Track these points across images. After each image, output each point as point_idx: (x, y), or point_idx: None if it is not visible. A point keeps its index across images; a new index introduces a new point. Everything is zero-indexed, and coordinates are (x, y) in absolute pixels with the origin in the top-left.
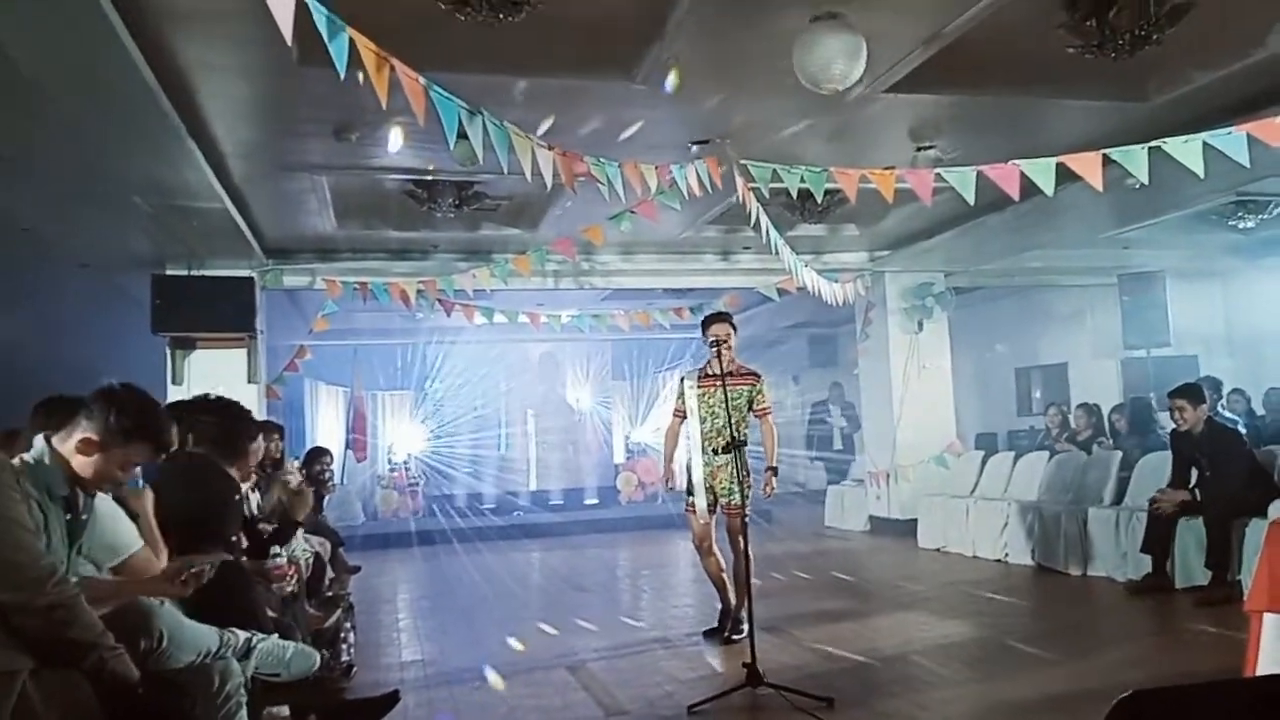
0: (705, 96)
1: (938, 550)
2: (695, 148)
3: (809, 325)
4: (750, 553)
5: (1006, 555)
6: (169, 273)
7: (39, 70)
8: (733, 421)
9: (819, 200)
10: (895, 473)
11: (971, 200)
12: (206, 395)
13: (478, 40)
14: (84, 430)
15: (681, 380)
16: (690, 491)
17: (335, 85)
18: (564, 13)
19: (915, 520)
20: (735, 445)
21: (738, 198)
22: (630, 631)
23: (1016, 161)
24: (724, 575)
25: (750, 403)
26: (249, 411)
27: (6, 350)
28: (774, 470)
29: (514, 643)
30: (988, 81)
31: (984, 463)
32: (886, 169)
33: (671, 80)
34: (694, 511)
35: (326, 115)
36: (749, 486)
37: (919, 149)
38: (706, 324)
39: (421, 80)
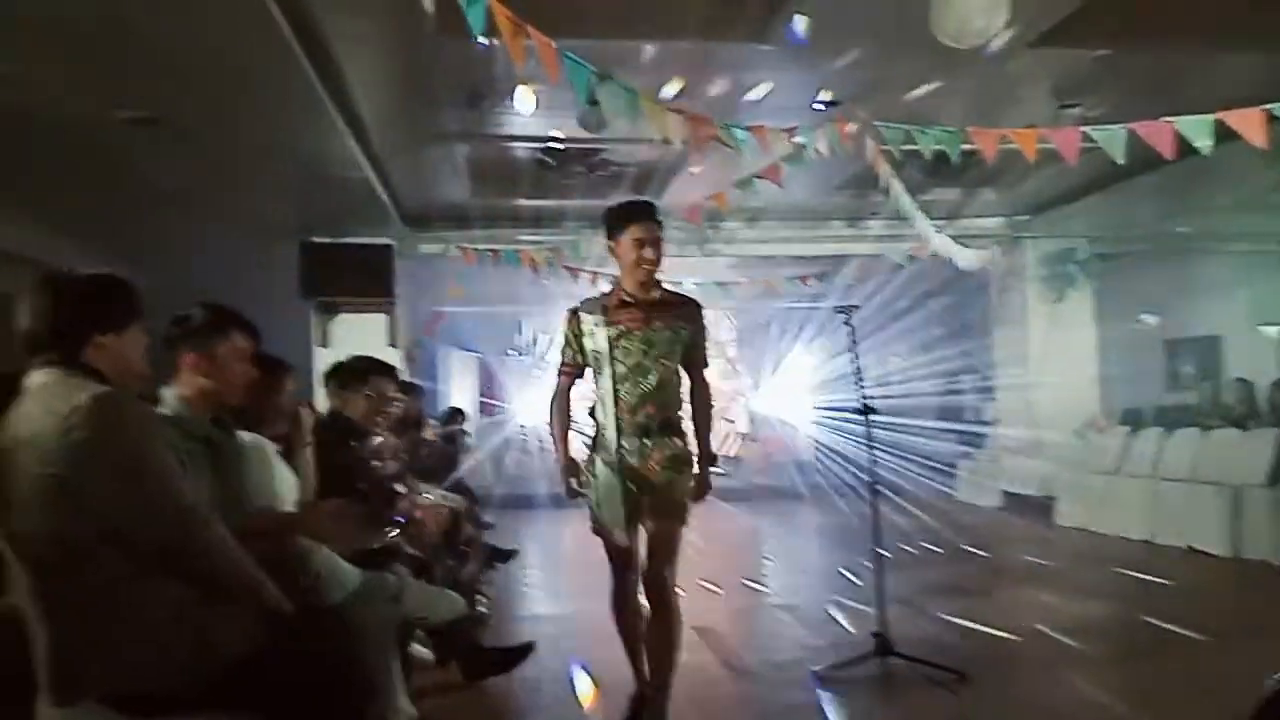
0: (835, 56)
1: (1076, 528)
2: (824, 109)
3: (941, 294)
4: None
5: (1153, 535)
6: (314, 240)
7: (188, 38)
8: (669, 380)
9: (954, 163)
10: (1032, 447)
11: (1121, 160)
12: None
13: (608, 5)
14: (186, 360)
15: (574, 315)
16: (594, 499)
17: (471, 53)
18: None
19: (1052, 496)
20: (673, 428)
21: (868, 161)
22: (755, 596)
23: (1170, 118)
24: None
25: (689, 348)
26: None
27: (159, 314)
28: (712, 459)
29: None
30: (1138, 34)
31: (1129, 438)
32: (1028, 128)
33: (803, 27)
34: (604, 530)
35: (462, 84)
36: (691, 480)
37: (1062, 107)
38: (623, 219)
39: (554, 45)
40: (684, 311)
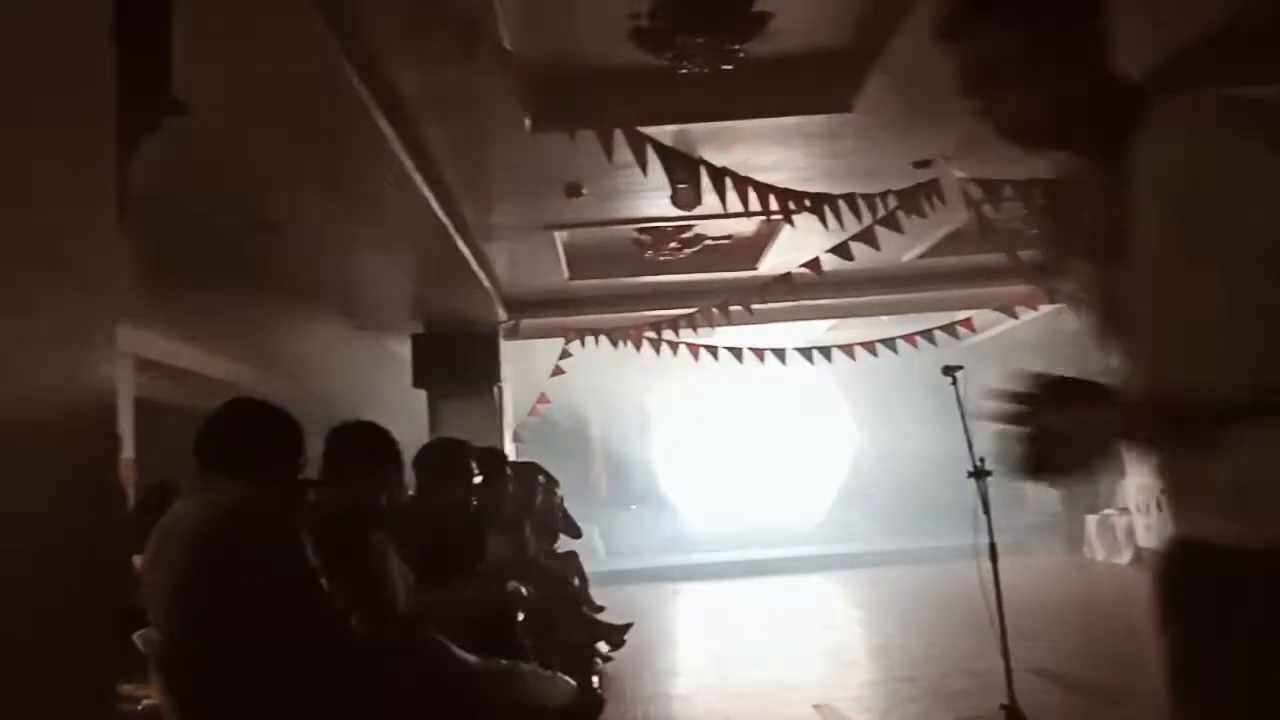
0: (926, 117)
1: None
2: (917, 170)
3: (1057, 347)
4: None
5: None
6: (423, 331)
7: (306, 155)
8: None
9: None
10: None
11: None
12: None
13: (696, 90)
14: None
15: None
16: None
17: (566, 147)
18: (776, 52)
19: None
20: None
21: (966, 218)
22: (878, 668)
23: None
24: None
25: None
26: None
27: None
28: None
29: (755, 675)
30: None
31: None
32: None
33: None
34: None
35: (558, 174)
36: None
37: None
38: None
39: (645, 135)
40: None
